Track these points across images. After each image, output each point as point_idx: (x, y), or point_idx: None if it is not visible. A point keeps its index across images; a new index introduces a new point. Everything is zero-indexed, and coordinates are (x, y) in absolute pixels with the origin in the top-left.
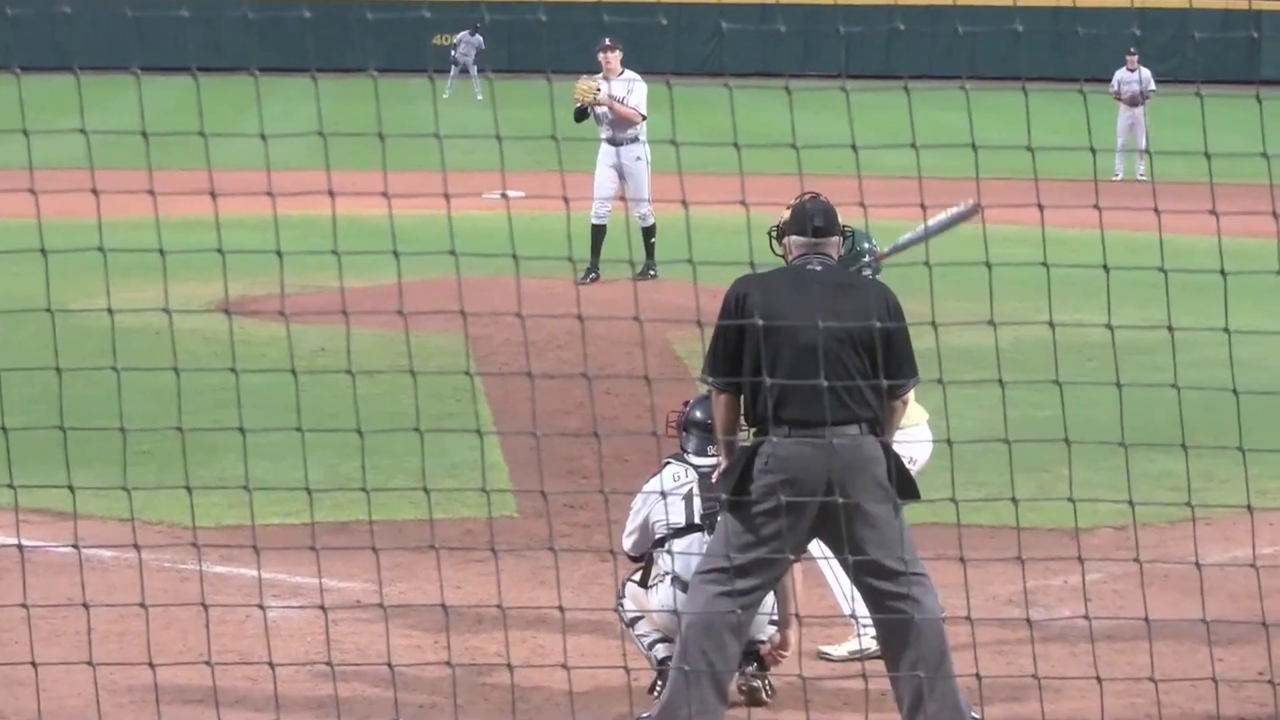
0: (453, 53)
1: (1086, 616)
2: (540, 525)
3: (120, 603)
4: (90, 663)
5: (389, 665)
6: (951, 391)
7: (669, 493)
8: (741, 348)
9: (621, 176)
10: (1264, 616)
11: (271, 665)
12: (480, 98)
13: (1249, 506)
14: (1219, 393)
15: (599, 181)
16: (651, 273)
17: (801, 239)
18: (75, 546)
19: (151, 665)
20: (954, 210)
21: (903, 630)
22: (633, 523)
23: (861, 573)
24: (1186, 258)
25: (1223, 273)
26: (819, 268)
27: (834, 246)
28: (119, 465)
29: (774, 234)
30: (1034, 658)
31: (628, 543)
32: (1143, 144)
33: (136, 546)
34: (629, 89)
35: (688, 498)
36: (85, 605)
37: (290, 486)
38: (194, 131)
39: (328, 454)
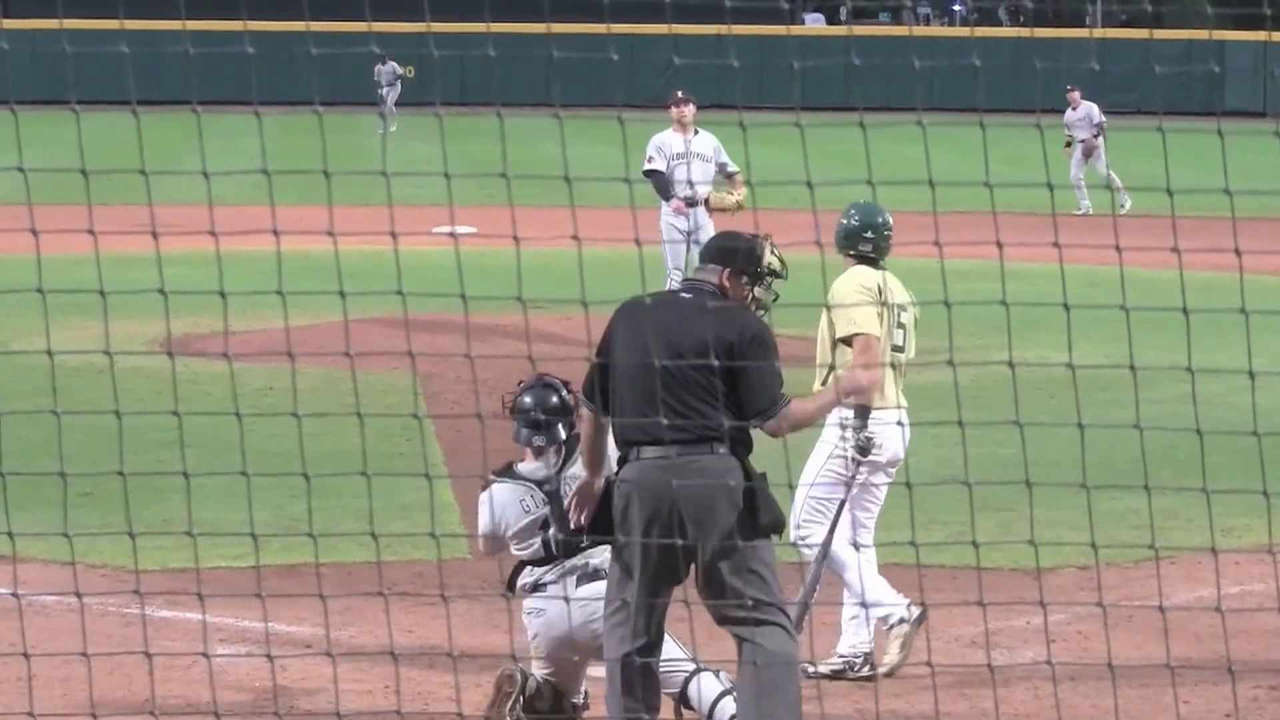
0: (380, 92)
1: (1049, 661)
2: (493, 567)
3: (63, 650)
4: (31, 713)
5: (338, 715)
6: (912, 431)
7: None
8: (606, 371)
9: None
10: (1229, 659)
11: (217, 715)
12: (392, 129)
13: (1213, 549)
14: (1183, 431)
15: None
16: None
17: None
18: (15, 594)
19: (94, 716)
20: None
21: (744, 671)
22: None
23: (713, 605)
24: (1150, 292)
25: (1185, 311)
26: (689, 295)
27: (714, 274)
28: (61, 508)
29: None
30: (996, 700)
31: None
32: (1113, 178)
33: (78, 594)
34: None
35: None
36: (25, 655)
37: (237, 531)
38: (135, 169)
39: (276, 495)
